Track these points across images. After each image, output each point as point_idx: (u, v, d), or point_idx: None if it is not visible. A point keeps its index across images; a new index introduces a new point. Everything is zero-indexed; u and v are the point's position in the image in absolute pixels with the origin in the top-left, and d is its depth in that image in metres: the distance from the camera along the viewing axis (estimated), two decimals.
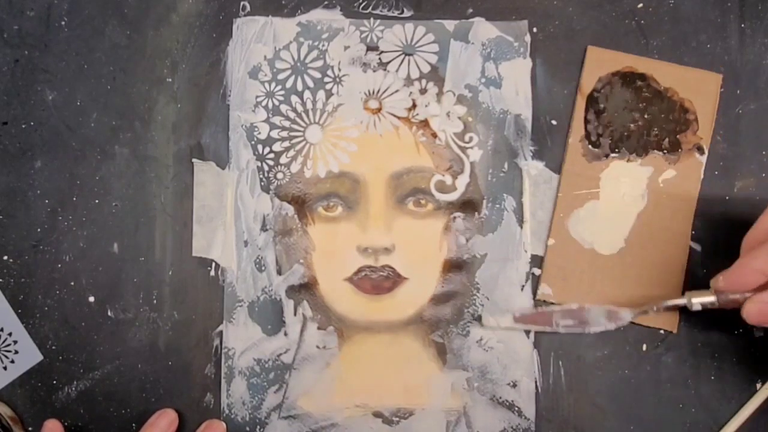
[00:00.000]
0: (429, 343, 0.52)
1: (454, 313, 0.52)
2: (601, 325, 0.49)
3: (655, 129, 0.52)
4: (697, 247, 0.51)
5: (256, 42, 0.53)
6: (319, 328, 0.52)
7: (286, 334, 0.52)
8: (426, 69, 0.53)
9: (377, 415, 0.51)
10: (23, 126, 0.53)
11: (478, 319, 0.51)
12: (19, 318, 0.52)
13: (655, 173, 0.51)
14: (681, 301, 0.47)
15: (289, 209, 0.52)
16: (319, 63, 0.53)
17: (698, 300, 0.46)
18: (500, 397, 0.51)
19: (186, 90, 0.53)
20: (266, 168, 0.53)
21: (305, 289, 0.52)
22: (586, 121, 0.52)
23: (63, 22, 0.54)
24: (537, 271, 0.52)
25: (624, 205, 0.51)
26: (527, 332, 0.51)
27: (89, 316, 0.52)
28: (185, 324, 0.52)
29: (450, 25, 0.53)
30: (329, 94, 0.53)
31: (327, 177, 0.52)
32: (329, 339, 0.52)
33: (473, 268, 0.52)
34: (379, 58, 0.53)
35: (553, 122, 0.52)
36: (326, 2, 0.54)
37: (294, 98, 0.53)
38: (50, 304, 0.52)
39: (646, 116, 0.52)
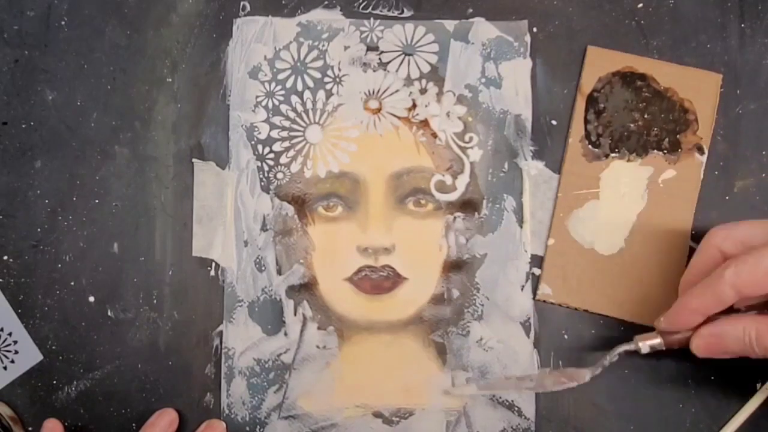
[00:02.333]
0: (429, 343, 0.52)
1: (454, 313, 0.52)
2: (563, 385, 0.49)
3: (655, 129, 0.52)
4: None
5: (256, 42, 0.53)
6: (319, 328, 0.52)
7: (286, 334, 0.52)
8: (426, 69, 0.53)
9: (377, 415, 0.51)
10: (23, 126, 0.53)
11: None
12: (19, 318, 0.52)
13: (655, 173, 0.51)
14: (631, 347, 0.47)
15: (289, 209, 0.52)
16: (319, 63, 0.53)
17: (646, 343, 0.47)
18: (500, 397, 0.51)
19: (186, 90, 0.53)
20: (266, 168, 0.53)
21: (305, 289, 0.52)
22: (586, 121, 0.52)
23: (63, 22, 0.54)
24: (537, 271, 0.52)
25: (624, 205, 0.51)
26: (527, 332, 0.51)
27: (89, 316, 0.52)
28: (185, 324, 0.52)
29: (450, 25, 0.53)
30: (329, 94, 0.53)
31: (327, 177, 0.52)
32: (329, 339, 0.52)
33: (473, 268, 0.52)
34: (379, 58, 0.53)
35: (553, 122, 0.52)
36: (326, 2, 0.54)
37: (294, 98, 0.53)
38: (50, 304, 0.52)
39: (646, 116, 0.52)
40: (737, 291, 0.42)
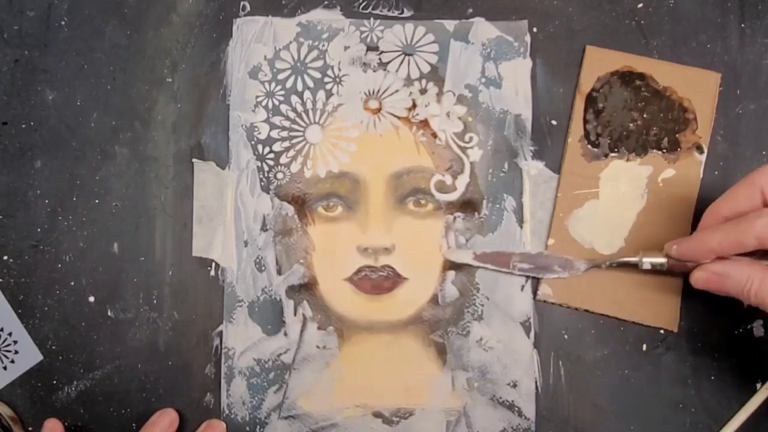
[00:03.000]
0: (429, 343, 0.52)
1: (454, 313, 0.52)
2: (555, 273, 0.50)
3: (654, 128, 0.52)
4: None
5: (256, 42, 0.53)
6: (319, 328, 0.52)
7: (286, 334, 0.52)
8: (426, 69, 0.53)
9: (377, 415, 0.51)
10: (23, 126, 0.53)
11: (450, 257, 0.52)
12: (19, 318, 0.52)
13: (654, 173, 0.51)
14: (632, 259, 0.48)
15: (289, 209, 0.52)
16: (319, 63, 0.53)
17: (648, 260, 0.47)
18: (500, 397, 0.51)
19: (186, 90, 0.53)
20: (266, 168, 0.53)
21: (305, 289, 0.52)
22: (585, 121, 0.52)
23: (63, 22, 0.54)
24: None
25: (623, 204, 0.51)
26: (527, 332, 0.51)
27: (89, 316, 0.52)
28: (185, 324, 0.52)
29: (450, 25, 0.53)
30: (329, 94, 0.53)
31: (327, 177, 0.52)
32: (329, 339, 0.52)
33: (473, 268, 0.52)
34: (379, 58, 0.53)
35: (553, 122, 0.52)
36: (326, 2, 0.54)
37: (294, 98, 0.53)
38: (50, 304, 0.52)
39: (645, 116, 0.52)
40: (761, 242, 0.42)
